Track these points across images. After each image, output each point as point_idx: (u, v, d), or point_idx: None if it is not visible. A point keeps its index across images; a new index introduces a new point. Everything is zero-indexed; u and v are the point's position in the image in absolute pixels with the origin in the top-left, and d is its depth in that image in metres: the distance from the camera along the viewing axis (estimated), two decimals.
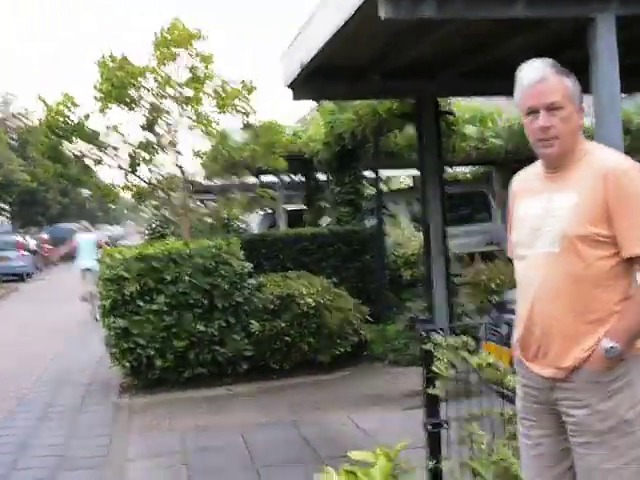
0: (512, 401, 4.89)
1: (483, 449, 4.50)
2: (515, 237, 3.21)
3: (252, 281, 9.89)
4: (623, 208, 2.90)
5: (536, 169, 3.22)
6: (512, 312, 7.33)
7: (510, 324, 7.09)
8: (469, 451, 4.54)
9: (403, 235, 13.53)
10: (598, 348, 2.93)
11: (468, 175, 21.29)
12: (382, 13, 4.89)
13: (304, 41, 7.00)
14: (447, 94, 9.40)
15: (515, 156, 14.84)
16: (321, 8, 6.21)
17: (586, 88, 3.64)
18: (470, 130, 13.09)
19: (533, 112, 3.02)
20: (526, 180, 3.28)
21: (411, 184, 21.86)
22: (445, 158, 9.30)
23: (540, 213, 3.06)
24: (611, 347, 2.91)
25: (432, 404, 4.73)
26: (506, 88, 8.78)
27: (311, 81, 7.92)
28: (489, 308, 11.25)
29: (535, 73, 3.03)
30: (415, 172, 19.88)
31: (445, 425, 4.75)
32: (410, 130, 11.85)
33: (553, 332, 3.01)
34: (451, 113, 9.35)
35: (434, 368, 4.54)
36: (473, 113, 12.49)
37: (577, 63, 3.09)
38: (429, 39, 6.83)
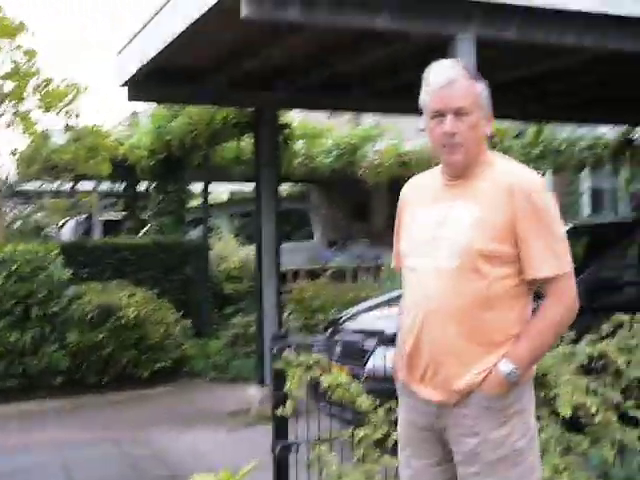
0: (353, 422, 4.79)
1: (332, 473, 4.30)
2: (406, 247, 2.96)
3: (70, 290, 9.34)
4: (530, 226, 2.72)
5: (433, 176, 2.99)
6: (346, 332, 7.36)
7: (347, 343, 7.05)
8: (318, 475, 4.34)
9: (226, 248, 13.26)
10: (496, 371, 2.73)
11: (287, 192, 21.31)
12: (244, 11, 4.62)
13: (147, 36, 6.61)
14: (289, 107, 9.24)
15: (341, 175, 14.99)
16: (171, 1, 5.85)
17: None
18: (299, 146, 13.02)
19: (438, 116, 2.80)
20: (421, 187, 3.04)
21: (227, 198, 21.55)
22: (281, 173, 9.08)
23: (437, 223, 2.84)
24: (512, 370, 2.72)
25: (281, 426, 4.50)
26: (351, 103, 8.91)
27: (149, 81, 7.53)
28: (321, 326, 11.22)
29: (444, 75, 2.81)
30: (235, 186, 19.76)
31: (294, 448, 4.53)
32: (240, 142, 11.69)
33: (445, 352, 2.78)
34: (289, 127, 9.18)
35: (286, 387, 4.31)
36: (305, 130, 12.47)
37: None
38: (276, 48, 6.63)
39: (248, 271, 12.37)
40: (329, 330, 7.69)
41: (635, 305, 5.56)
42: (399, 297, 8.46)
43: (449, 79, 2.78)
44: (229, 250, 13.18)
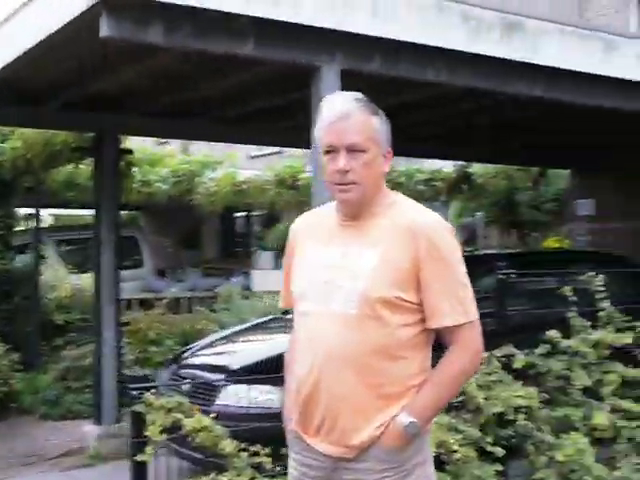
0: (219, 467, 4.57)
1: None
2: (298, 289, 2.77)
3: None
4: (433, 272, 2.58)
5: (328, 213, 2.80)
6: (191, 367, 7.10)
7: (194, 379, 6.79)
8: None
9: (56, 276, 12.63)
10: (395, 423, 2.58)
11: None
12: (104, 30, 4.34)
13: None
14: (133, 132, 8.88)
15: (176, 202, 14.67)
16: (21, 12, 5.44)
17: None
18: (136, 172, 12.62)
19: (331, 152, 2.62)
20: (315, 224, 2.85)
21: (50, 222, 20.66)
22: (121, 200, 8.71)
23: (333, 266, 2.66)
24: (410, 422, 2.57)
25: (141, 472, 4.20)
26: (197, 130, 8.68)
27: None
28: (157, 360, 10.85)
29: (338, 107, 2.62)
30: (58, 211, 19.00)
31: None
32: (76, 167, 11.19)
33: (341, 406, 2.60)
34: (131, 152, 8.82)
35: (147, 431, 4.02)
36: (143, 155, 12.11)
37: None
38: (124, 71, 6.33)
39: (79, 300, 11.83)
40: (173, 365, 7.41)
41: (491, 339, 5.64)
42: (244, 331, 8.33)
43: (343, 112, 2.60)
44: (59, 278, 12.54)
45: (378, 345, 2.58)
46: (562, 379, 5.72)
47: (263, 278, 16.79)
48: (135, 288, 15.14)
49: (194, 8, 4.47)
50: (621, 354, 5.96)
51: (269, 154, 18.40)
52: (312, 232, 2.83)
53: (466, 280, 2.67)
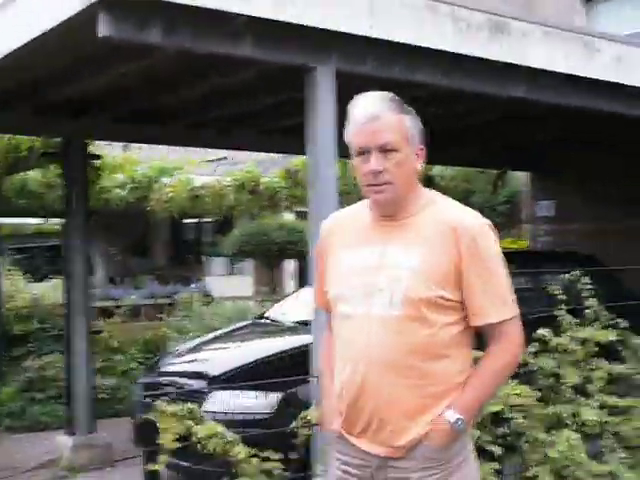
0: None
1: None
2: (336, 291, 2.73)
3: None
4: (476, 272, 2.58)
5: (360, 213, 2.79)
6: (171, 375, 7.01)
7: (177, 386, 6.70)
8: None
9: (14, 286, 12.38)
10: (441, 421, 2.57)
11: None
12: (102, 30, 4.25)
13: None
14: (103, 137, 8.73)
15: (132, 209, 14.51)
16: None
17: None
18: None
19: (364, 152, 2.61)
20: (347, 224, 2.82)
21: None
22: (89, 206, 8.54)
23: (372, 267, 2.63)
24: (458, 419, 2.57)
25: None
26: (171, 136, 8.56)
27: None
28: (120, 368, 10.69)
29: (369, 108, 2.60)
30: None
31: None
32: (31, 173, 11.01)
33: (388, 408, 2.59)
34: (99, 157, 8.68)
35: (160, 440, 3.94)
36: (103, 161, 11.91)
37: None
38: (100, 76, 6.21)
39: (38, 310, 11.61)
40: (151, 373, 7.31)
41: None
42: (221, 337, 8.26)
43: (373, 113, 2.60)
44: (17, 288, 12.29)
45: (421, 345, 2.58)
46: (552, 377, 5.77)
47: (220, 284, 16.71)
48: None
49: (194, 7, 4.40)
50: (606, 351, 6.04)
51: (218, 159, 18.32)
52: (346, 233, 2.80)
53: (506, 277, 2.68)
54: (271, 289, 16.62)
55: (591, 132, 9.40)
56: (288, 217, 17.34)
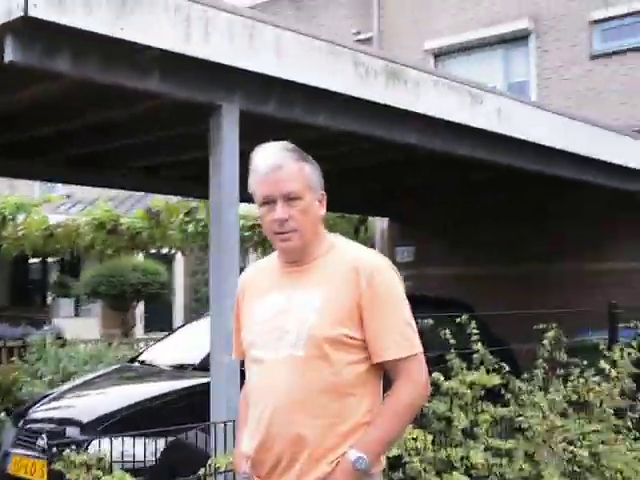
0: None
1: None
2: (248, 338, 2.80)
3: None
4: (377, 309, 2.63)
5: (272, 262, 2.87)
6: (41, 422, 6.63)
7: (52, 434, 6.32)
8: None
9: None
10: (344, 460, 2.58)
11: None
12: (8, 55, 4.03)
13: None
14: None
15: None
16: None
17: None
18: None
19: (269, 202, 2.68)
20: (260, 274, 2.91)
21: None
22: None
23: (280, 312, 2.70)
24: (358, 457, 2.57)
25: None
26: (41, 170, 8.18)
27: None
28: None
29: (271, 159, 2.67)
30: None
31: None
32: None
33: (296, 447, 2.61)
34: None
35: None
36: None
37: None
38: None
39: None
40: (20, 420, 6.89)
41: None
42: (90, 382, 7.92)
43: (275, 163, 2.67)
44: None
45: (327, 385, 2.62)
46: (444, 420, 5.83)
47: (67, 326, 16.09)
48: None
49: (103, 37, 4.24)
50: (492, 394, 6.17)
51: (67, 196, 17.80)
52: (258, 282, 2.88)
53: (409, 315, 2.73)
54: (123, 332, 16.18)
55: (457, 179, 9.70)
56: (139, 258, 17.01)
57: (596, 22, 14.63)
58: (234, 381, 4.88)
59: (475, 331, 6.11)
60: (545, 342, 6.72)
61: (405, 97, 5.85)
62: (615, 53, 14.42)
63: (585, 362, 7.19)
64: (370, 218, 13.91)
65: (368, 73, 5.57)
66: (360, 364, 2.65)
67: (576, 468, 6.72)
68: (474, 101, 6.47)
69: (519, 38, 15.40)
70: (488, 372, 6.18)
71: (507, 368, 6.25)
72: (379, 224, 13.97)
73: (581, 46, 14.85)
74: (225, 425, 4.62)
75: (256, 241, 12.73)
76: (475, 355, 6.12)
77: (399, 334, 2.66)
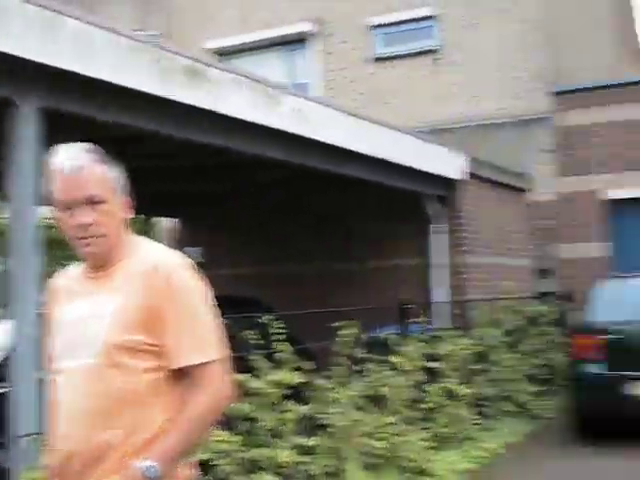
0: None
1: None
2: (54, 349, 2.65)
3: None
4: (176, 311, 2.51)
5: (79, 269, 2.70)
6: None
7: None
8: None
9: None
10: (133, 468, 2.45)
11: None
12: None
13: None
14: None
15: None
16: None
17: None
18: None
19: (70, 206, 2.52)
20: (67, 281, 2.73)
21: None
22: None
23: (80, 319, 2.56)
24: (149, 466, 2.45)
25: None
26: None
27: None
28: None
29: (72, 161, 2.51)
30: None
31: None
32: None
33: (93, 459, 2.50)
34: None
35: None
36: None
37: None
38: None
39: None
40: None
41: None
42: None
43: (75, 166, 2.51)
44: None
45: (121, 394, 2.50)
46: (249, 420, 5.82)
47: None
48: None
49: None
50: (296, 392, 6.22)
51: None
52: (65, 289, 2.71)
53: (208, 318, 2.61)
54: None
55: (246, 179, 9.71)
56: None
57: (378, 26, 15.24)
58: (39, 392, 4.60)
59: (281, 330, 6.14)
60: (340, 339, 6.87)
61: (207, 96, 5.77)
62: (398, 57, 15.10)
63: (377, 357, 7.44)
64: (155, 219, 13.66)
65: (170, 71, 5.45)
66: (157, 372, 2.52)
67: (375, 460, 6.94)
68: (272, 102, 6.48)
69: (302, 40, 15.70)
70: (292, 371, 6.23)
71: (308, 366, 6.34)
72: (165, 225, 13.77)
73: (364, 49, 15.39)
74: (28, 438, 4.38)
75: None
76: (278, 354, 6.15)
77: (197, 338, 2.54)
